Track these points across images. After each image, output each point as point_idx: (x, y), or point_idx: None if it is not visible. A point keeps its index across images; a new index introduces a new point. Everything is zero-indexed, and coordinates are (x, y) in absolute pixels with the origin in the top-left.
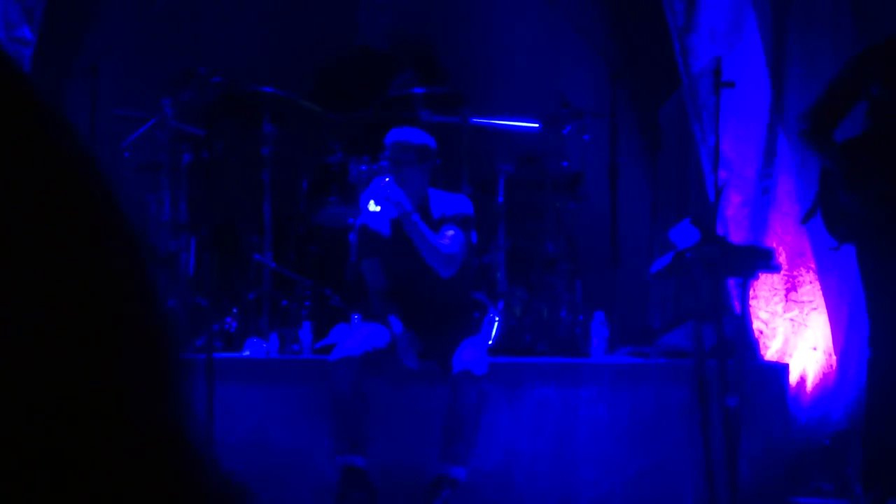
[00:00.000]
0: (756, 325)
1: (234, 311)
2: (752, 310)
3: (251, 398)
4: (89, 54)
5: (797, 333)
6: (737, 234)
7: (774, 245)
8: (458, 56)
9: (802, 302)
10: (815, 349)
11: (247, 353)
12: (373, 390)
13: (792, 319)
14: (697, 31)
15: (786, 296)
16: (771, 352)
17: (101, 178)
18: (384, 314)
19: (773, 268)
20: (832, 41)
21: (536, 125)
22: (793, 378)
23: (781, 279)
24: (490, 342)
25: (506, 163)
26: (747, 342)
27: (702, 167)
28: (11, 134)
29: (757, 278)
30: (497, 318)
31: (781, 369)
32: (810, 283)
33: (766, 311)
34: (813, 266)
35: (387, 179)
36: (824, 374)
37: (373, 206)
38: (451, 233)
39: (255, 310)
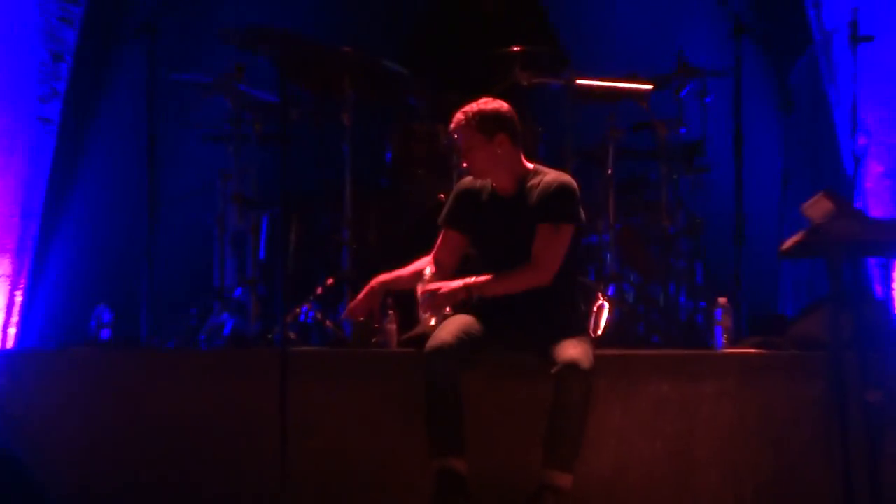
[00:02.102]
0: None
1: (310, 299)
2: (895, 294)
3: (331, 398)
4: (145, 12)
5: None
6: (877, 208)
7: None
8: (564, 11)
9: None
10: None
11: None
12: (465, 385)
13: None
14: None
15: None
16: None
17: None
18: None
19: None
20: None
21: (650, 87)
22: None
23: None
24: (598, 332)
25: (616, 131)
26: (891, 331)
27: (836, 133)
28: None
29: None
30: (606, 306)
31: None
32: None
33: None
34: None
35: (428, 271)
36: None
37: (432, 322)
38: (545, 239)
39: (333, 297)
